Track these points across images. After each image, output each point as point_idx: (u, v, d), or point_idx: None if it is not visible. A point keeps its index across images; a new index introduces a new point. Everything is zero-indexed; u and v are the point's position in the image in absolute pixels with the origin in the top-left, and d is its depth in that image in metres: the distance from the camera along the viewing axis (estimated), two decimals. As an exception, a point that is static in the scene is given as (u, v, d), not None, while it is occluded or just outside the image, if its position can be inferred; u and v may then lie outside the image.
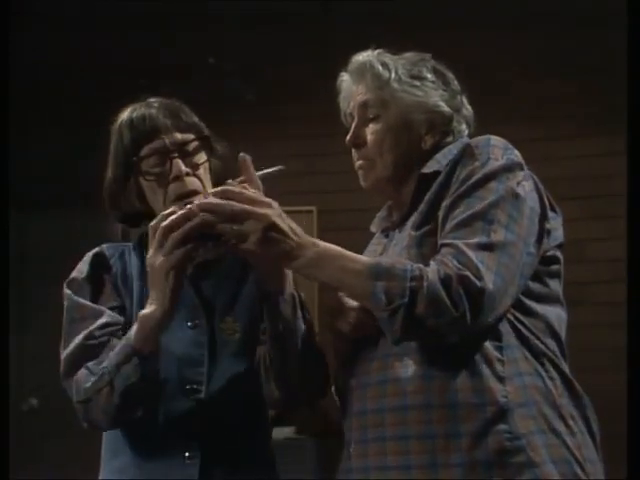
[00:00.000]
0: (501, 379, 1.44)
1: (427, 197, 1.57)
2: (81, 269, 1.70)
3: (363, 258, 1.48)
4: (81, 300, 1.65)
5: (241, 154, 1.53)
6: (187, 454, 1.57)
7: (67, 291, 1.68)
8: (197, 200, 1.47)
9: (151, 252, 1.47)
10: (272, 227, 1.43)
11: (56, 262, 4.58)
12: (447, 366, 1.45)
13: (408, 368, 1.47)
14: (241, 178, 1.51)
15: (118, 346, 1.54)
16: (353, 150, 1.69)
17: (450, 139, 1.66)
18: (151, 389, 1.54)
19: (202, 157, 1.64)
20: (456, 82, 1.70)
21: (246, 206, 1.43)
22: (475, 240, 1.44)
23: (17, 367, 4.08)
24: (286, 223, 1.46)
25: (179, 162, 1.60)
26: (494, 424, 1.41)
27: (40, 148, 4.77)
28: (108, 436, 1.68)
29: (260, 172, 1.54)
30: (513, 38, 4.62)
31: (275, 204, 1.48)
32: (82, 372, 1.58)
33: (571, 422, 1.47)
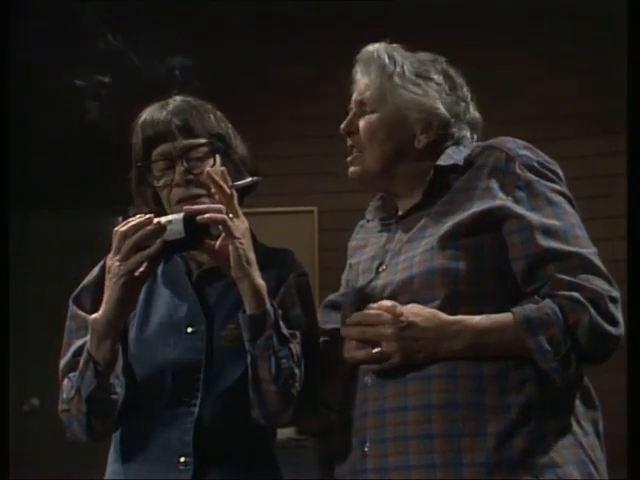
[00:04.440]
0: (524, 381, 1.45)
1: (449, 197, 1.57)
2: (92, 271, 1.71)
3: (498, 318, 1.46)
4: (79, 311, 1.66)
5: (206, 170, 1.56)
6: (181, 459, 1.57)
7: (70, 300, 1.69)
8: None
9: (110, 256, 1.49)
10: (407, 327, 1.48)
11: (56, 262, 4.60)
12: (471, 366, 1.46)
13: (431, 368, 1.47)
14: (213, 191, 1.54)
15: (84, 352, 1.54)
16: (347, 137, 1.69)
17: (449, 144, 1.65)
18: (112, 398, 1.54)
19: (210, 161, 1.63)
20: (466, 89, 1.68)
21: (371, 330, 1.51)
22: (591, 250, 1.49)
23: (17, 367, 4.08)
24: (419, 324, 1.48)
25: (180, 169, 1.61)
26: (519, 425, 1.42)
27: (40, 148, 4.77)
28: (113, 439, 1.68)
29: (236, 183, 1.57)
30: (513, 38, 4.62)
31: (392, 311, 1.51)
32: (65, 383, 1.60)
33: (583, 423, 1.48)
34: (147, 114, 1.66)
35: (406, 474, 1.44)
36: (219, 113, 1.71)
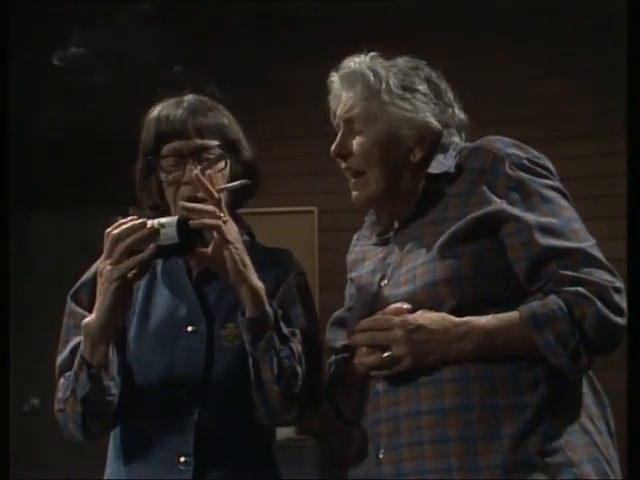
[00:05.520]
0: (536, 381, 1.45)
1: (443, 203, 1.56)
2: (90, 269, 1.71)
3: (505, 317, 1.46)
4: (77, 308, 1.66)
5: (194, 171, 1.54)
6: (182, 459, 1.57)
7: (68, 297, 1.69)
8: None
9: (101, 259, 1.48)
10: (416, 330, 1.47)
11: (56, 262, 4.60)
12: (483, 368, 1.45)
13: (443, 371, 1.47)
14: (199, 195, 1.53)
15: (77, 354, 1.54)
16: (338, 159, 1.66)
17: (440, 151, 1.63)
18: (107, 399, 1.54)
19: (222, 164, 1.63)
20: (449, 93, 1.67)
21: (381, 334, 1.50)
22: (590, 243, 1.50)
23: (17, 367, 4.08)
24: (429, 325, 1.48)
25: (191, 167, 1.60)
26: (534, 425, 1.42)
27: (40, 148, 4.77)
28: (111, 439, 1.68)
29: (223, 186, 1.56)
30: (513, 38, 4.61)
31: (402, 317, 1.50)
32: (60, 381, 1.60)
33: (597, 422, 1.49)
34: (162, 110, 1.66)
35: (422, 479, 1.44)
36: (231, 116, 1.71)
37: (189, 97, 1.69)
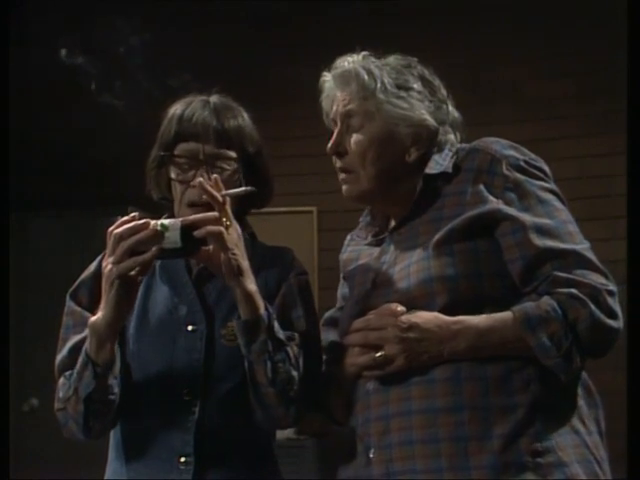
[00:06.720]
0: (528, 381, 1.45)
1: (439, 203, 1.56)
2: (89, 267, 1.70)
3: (499, 317, 1.46)
4: (76, 307, 1.66)
5: (198, 180, 1.53)
6: (182, 459, 1.57)
7: (67, 295, 1.69)
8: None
9: (105, 257, 1.48)
10: (409, 329, 1.47)
11: (56, 262, 4.60)
12: (475, 368, 1.45)
13: (435, 371, 1.47)
14: (204, 198, 1.52)
15: (82, 353, 1.54)
16: (334, 157, 1.66)
17: (435, 150, 1.63)
18: (110, 398, 1.53)
19: (234, 176, 1.62)
20: (443, 90, 1.66)
21: (373, 334, 1.50)
22: (585, 245, 1.50)
23: (17, 367, 4.08)
24: (421, 326, 1.48)
25: (203, 174, 1.58)
26: (525, 426, 1.42)
27: (40, 148, 4.77)
28: (111, 439, 1.68)
29: (227, 192, 1.54)
30: (513, 38, 4.61)
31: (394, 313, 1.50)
32: (61, 381, 1.60)
33: (587, 422, 1.49)
34: (187, 107, 1.64)
35: (413, 478, 1.43)
36: (254, 126, 1.69)
37: (214, 98, 1.67)
